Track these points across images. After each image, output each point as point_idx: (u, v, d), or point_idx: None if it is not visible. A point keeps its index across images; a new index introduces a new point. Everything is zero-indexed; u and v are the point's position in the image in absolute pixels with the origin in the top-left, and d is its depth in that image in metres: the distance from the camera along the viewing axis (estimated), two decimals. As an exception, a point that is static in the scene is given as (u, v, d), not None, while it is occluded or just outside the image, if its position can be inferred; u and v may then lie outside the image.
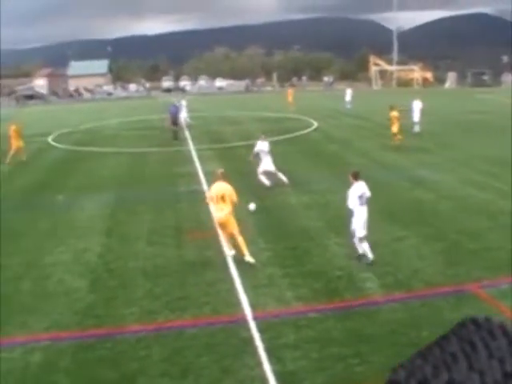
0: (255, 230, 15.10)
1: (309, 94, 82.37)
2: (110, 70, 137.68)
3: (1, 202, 19.75)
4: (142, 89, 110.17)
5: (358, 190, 12.23)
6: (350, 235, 12.78)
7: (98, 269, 12.93)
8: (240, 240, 12.68)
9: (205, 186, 20.38)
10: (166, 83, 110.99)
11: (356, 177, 12.37)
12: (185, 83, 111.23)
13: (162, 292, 11.47)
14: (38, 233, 16.03)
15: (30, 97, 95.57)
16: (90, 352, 9.31)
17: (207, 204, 13.77)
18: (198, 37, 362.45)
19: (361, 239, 12.41)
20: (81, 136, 39.51)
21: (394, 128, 27.50)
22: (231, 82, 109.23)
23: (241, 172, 21.61)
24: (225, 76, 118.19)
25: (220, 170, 13.26)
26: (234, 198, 12.62)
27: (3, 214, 18.23)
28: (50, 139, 37.86)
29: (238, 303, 10.80)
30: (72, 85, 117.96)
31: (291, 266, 12.52)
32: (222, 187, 12.65)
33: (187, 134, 36.71)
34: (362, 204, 12.29)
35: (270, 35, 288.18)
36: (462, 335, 1.25)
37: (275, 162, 20.47)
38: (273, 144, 30.42)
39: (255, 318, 10.08)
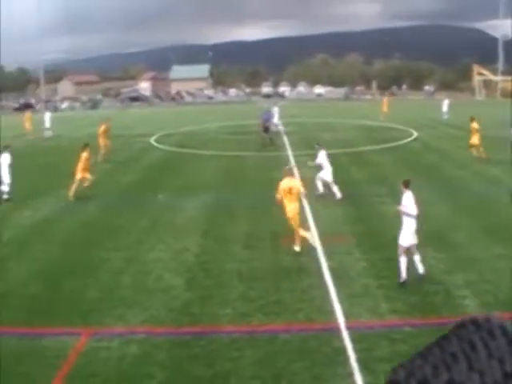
0: (352, 239, 14.97)
1: (409, 103, 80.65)
2: (211, 74, 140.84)
3: (105, 199, 20.66)
4: (241, 94, 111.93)
5: (410, 197, 11.87)
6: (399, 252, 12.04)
7: (195, 268, 13.24)
8: (298, 230, 13.95)
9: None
10: (266, 89, 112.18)
11: (407, 185, 12.11)
12: (284, 89, 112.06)
13: (257, 295, 11.58)
14: (138, 230, 16.62)
15: (135, 99, 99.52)
16: (184, 348, 9.54)
17: (279, 201, 14.33)
18: (298, 43, 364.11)
19: (404, 251, 11.78)
20: (182, 138, 40.59)
21: (475, 139, 26.53)
22: (330, 88, 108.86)
23: (339, 180, 21.42)
24: (324, 83, 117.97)
25: (287, 167, 14.84)
26: (301, 189, 14.17)
27: (106, 210, 19.09)
28: (152, 140, 39.21)
29: (331, 311, 10.73)
30: (174, 88, 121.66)
31: (386, 277, 12.29)
32: (290, 182, 14.19)
33: (285, 139, 36.88)
34: (411, 213, 11.81)
35: (371, 42, 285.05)
36: (462, 335, 1.26)
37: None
38: (371, 153, 30.26)
39: (349, 328, 9.97)
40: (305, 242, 14.00)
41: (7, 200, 21.18)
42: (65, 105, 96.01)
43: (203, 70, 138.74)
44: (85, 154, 21.38)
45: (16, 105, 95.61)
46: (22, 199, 21.45)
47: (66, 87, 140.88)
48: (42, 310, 11.34)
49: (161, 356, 9.32)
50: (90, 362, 9.18)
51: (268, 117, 35.76)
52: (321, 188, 20.09)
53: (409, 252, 11.88)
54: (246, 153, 31.46)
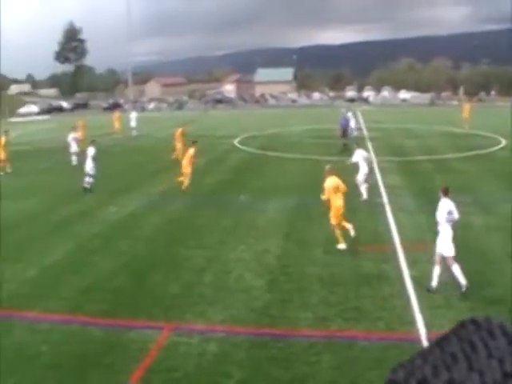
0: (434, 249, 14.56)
1: (498, 109, 77.74)
2: (295, 77, 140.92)
3: (188, 198, 21.10)
4: (325, 98, 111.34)
5: (447, 205, 11.77)
6: (435, 260, 11.89)
7: (276, 271, 13.28)
8: (343, 225, 14.78)
9: (385, 199, 20.09)
10: (350, 93, 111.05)
11: (446, 193, 12.00)
12: (368, 94, 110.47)
13: (337, 301, 11.48)
14: (220, 230, 16.86)
15: (220, 101, 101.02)
16: (263, 349, 9.58)
17: (325, 199, 14.96)
18: (383, 47, 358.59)
19: (440, 259, 11.68)
20: (265, 140, 40.83)
21: None
22: (415, 94, 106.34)
23: (423, 187, 21.02)
24: (409, 88, 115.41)
25: (328, 166, 15.54)
26: (344, 187, 14.96)
27: (190, 209, 19.48)
28: (236, 142, 39.67)
29: (412, 321, 10.49)
30: (258, 91, 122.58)
31: (470, 289, 11.89)
32: (335, 180, 14.88)
33: (369, 145, 36.37)
34: (448, 221, 11.75)
35: (458, 47, 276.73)
36: (462, 335, 1.22)
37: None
38: (456, 161, 29.38)
39: (430, 340, 9.70)
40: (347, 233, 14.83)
41: (87, 190, 22.70)
42: (151, 105, 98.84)
43: (287, 73, 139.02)
44: (191, 151, 22.63)
45: (105, 104, 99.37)
46: (108, 195, 22.26)
47: (153, 88, 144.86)
48: (126, 303, 11.70)
49: (239, 355, 9.41)
50: (171, 357, 9.39)
51: (345, 121, 35.36)
52: (365, 194, 20.17)
53: (442, 260, 11.75)
54: (329, 157, 31.22)
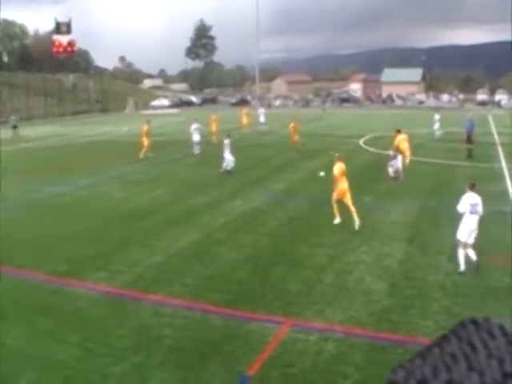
0: None
1: None
2: (423, 78, 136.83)
3: (311, 195, 21.13)
4: (454, 100, 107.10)
5: (471, 198, 12.89)
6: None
7: (397, 275, 12.98)
8: (352, 207, 16.80)
9: (516, 209, 19.03)
10: (481, 96, 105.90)
11: (472, 188, 13.12)
12: (500, 97, 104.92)
13: (460, 312, 10.98)
14: (342, 229, 16.74)
15: (346, 100, 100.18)
16: (381, 354, 9.41)
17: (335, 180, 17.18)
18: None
19: (462, 245, 12.89)
20: (390, 141, 39.87)
21: None
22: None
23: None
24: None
25: (336, 154, 18.03)
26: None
27: (313, 207, 19.51)
28: (361, 142, 39.18)
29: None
30: (385, 91, 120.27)
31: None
32: (342, 165, 17.15)
33: (499, 150, 34.59)
34: (472, 212, 12.81)
35: None
36: (462, 335, 1.13)
37: None
38: None
39: None
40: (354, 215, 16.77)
41: (228, 172, 25.77)
42: (278, 102, 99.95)
43: (415, 73, 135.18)
44: None
45: (233, 100, 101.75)
46: (235, 189, 22.79)
47: (279, 85, 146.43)
48: (247, 295, 11.93)
49: (357, 357, 9.30)
50: (288, 352, 9.46)
51: (471, 125, 33.67)
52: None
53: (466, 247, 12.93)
54: (455, 162, 30.08)
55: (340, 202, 17.20)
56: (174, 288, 12.38)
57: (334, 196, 17.30)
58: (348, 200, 17.01)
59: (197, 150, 34.25)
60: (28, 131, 58.73)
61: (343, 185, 17.06)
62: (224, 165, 26.80)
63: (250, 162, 29.89)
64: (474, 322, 1.30)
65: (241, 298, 11.74)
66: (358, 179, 24.84)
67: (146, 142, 33.04)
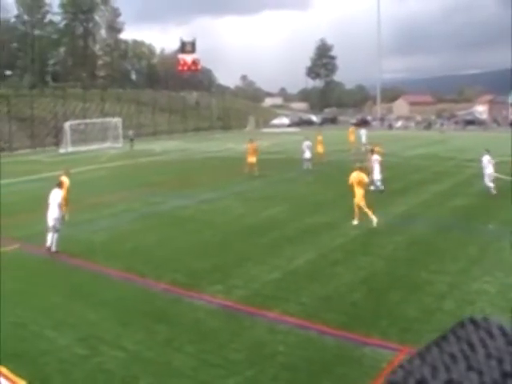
0: None
1: None
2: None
3: (432, 219, 20.55)
4: None
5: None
6: None
7: (525, 309, 12.29)
8: (366, 210, 19.76)
9: None
10: None
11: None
12: None
13: None
14: (465, 256, 16.10)
15: (470, 122, 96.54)
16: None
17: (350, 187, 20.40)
18: None
19: None
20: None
21: None
22: None
23: None
24: None
25: (357, 165, 21.42)
26: (366, 180, 20.62)
27: (433, 231, 18.95)
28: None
29: None
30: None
31: None
32: (359, 175, 20.31)
33: None
34: None
35: None
36: (461, 335, 1.03)
37: None
38: None
39: None
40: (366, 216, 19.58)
41: (381, 190, 26.35)
42: (399, 123, 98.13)
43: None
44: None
45: (353, 120, 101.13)
46: (352, 209, 22.60)
47: (401, 106, 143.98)
48: (362, 318, 11.78)
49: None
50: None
51: None
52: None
53: None
54: None
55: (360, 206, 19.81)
56: (290, 306, 12.47)
57: (356, 200, 20.03)
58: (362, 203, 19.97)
59: (306, 166, 35.84)
60: (153, 146, 61.71)
61: (359, 191, 19.99)
62: (376, 183, 27.02)
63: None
64: (473, 321, 1.34)
65: (355, 321, 11.62)
66: (481, 205, 23.96)
67: (251, 159, 34.08)
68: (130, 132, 64.06)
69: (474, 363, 1.24)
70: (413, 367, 1.27)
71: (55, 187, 17.99)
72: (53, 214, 17.32)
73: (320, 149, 40.68)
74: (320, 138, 41.51)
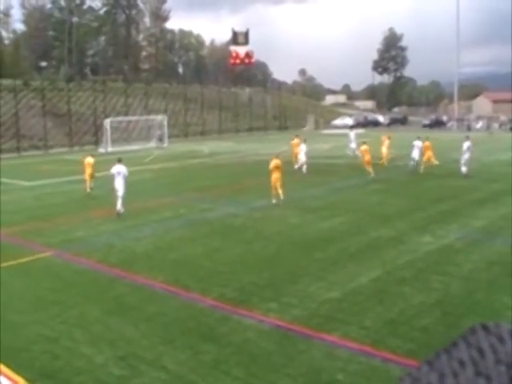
0: None
1: None
2: None
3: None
4: None
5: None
6: None
7: None
8: (280, 190, 26.27)
9: None
10: None
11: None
12: None
13: None
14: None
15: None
16: None
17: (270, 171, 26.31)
18: None
19: None
20: None
21: None
22: None
23: None
24: None
25: (276, 154, 27.62)
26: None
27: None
28: None
29: None
30: None
31: None
32: (276, 161, 26.74)
33: None
34: None
35: None
36: (471, 341, 1.02)
37: None
38: None
39: None
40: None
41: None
42: (479, 124, 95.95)
43: None
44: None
45: (426, 121, 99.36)
46: (424, 222, 22.33)
47: (482, 105, 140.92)
48: (433, 345, 11.47)
49: None
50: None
51: None
52: None
53: None
54: None
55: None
56: (351, 329, 12.39)
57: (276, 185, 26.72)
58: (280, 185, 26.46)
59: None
60: (201, 146, 62.36)
61: (275, 175, 26.69)
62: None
63: (442, 193, 29.14)
64: (485, 327, 1.37)
65: (425, 349, 11.41)
66: None
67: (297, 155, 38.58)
68: (158, 132, 65.66)
69: (483, 369, 1.29)
70: (420, 374, 1.33)
71: (116, 163, 25.50)
72: (119, 184, 24.72)
73: (386, 153, 40.49)
74: (387, 140, 41.12)
